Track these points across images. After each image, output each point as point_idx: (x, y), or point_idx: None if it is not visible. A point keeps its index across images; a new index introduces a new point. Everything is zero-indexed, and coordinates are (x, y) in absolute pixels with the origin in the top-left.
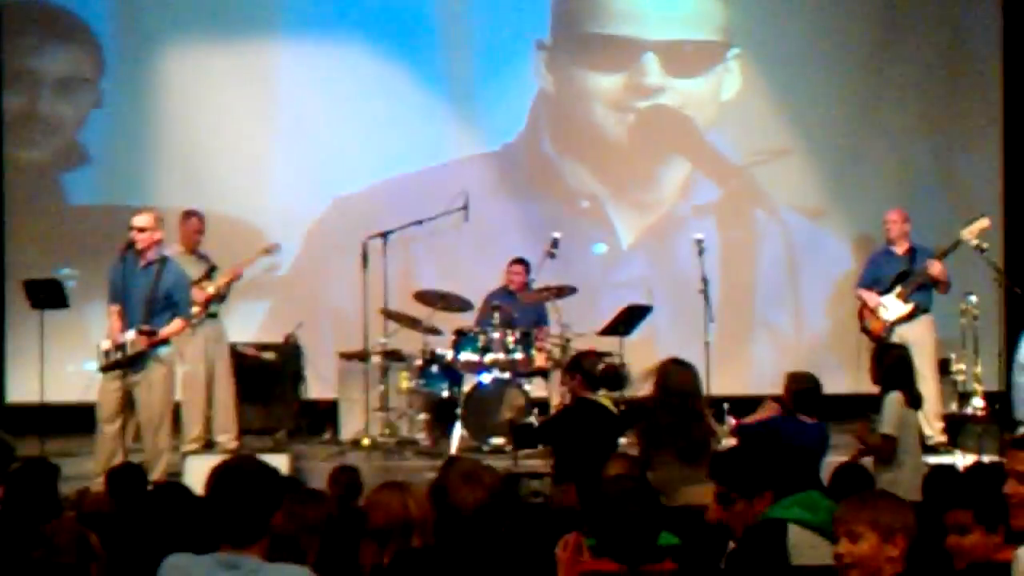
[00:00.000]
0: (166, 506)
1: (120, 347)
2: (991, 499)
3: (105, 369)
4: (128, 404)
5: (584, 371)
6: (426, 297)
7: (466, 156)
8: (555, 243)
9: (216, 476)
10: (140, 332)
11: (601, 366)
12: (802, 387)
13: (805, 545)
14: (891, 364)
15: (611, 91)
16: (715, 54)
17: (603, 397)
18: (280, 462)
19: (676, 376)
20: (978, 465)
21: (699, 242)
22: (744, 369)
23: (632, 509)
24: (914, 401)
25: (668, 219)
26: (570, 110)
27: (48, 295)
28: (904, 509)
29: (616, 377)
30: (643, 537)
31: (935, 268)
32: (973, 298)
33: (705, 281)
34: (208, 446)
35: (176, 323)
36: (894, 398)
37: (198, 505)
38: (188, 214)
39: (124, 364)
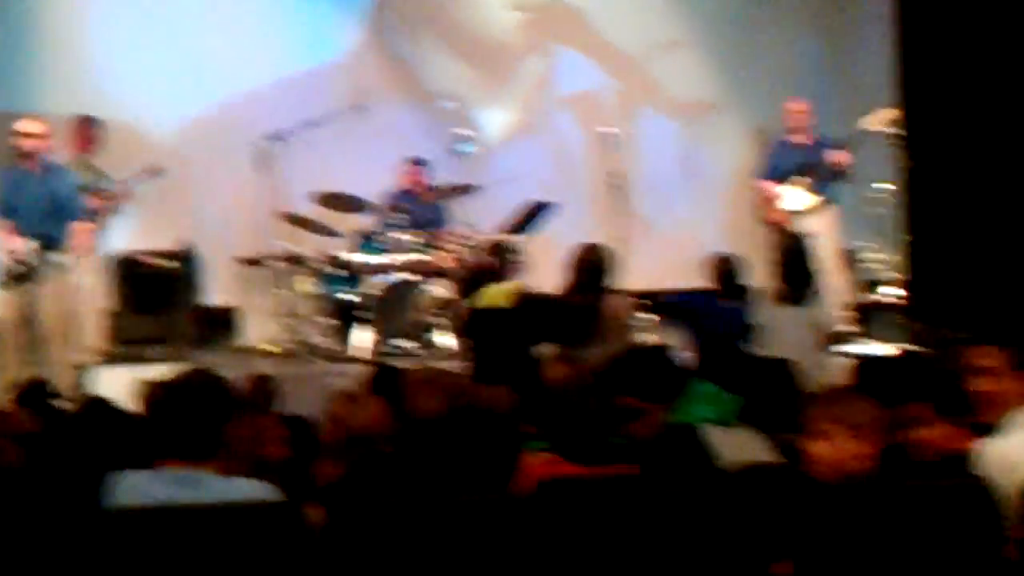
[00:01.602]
0: (98, 422)
1: (16, 259)
2: (949, 390)
3: (7, 283)
4: (30, 316)
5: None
6: (327, 199)
7: (336, 57)
8: (463, 140)
9: (169, 388)
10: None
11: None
12: (726, 268)
13: (724, 445)
14: (780, 257)
15: None
16: None
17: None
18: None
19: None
20: (911, 355)
21: (613, 135)
22: (642, 266)
23: (588, 408)
24: (794, 297)
25: (539, 112)
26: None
27: None
28: (872, 406)
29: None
30: (600, 436)
31: (840, 157)
32: (882, 186)
33: (621, 175)
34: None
35: (85, 226)
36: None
37: (129, 419)
38: (83, 120)
39: (26, 276)
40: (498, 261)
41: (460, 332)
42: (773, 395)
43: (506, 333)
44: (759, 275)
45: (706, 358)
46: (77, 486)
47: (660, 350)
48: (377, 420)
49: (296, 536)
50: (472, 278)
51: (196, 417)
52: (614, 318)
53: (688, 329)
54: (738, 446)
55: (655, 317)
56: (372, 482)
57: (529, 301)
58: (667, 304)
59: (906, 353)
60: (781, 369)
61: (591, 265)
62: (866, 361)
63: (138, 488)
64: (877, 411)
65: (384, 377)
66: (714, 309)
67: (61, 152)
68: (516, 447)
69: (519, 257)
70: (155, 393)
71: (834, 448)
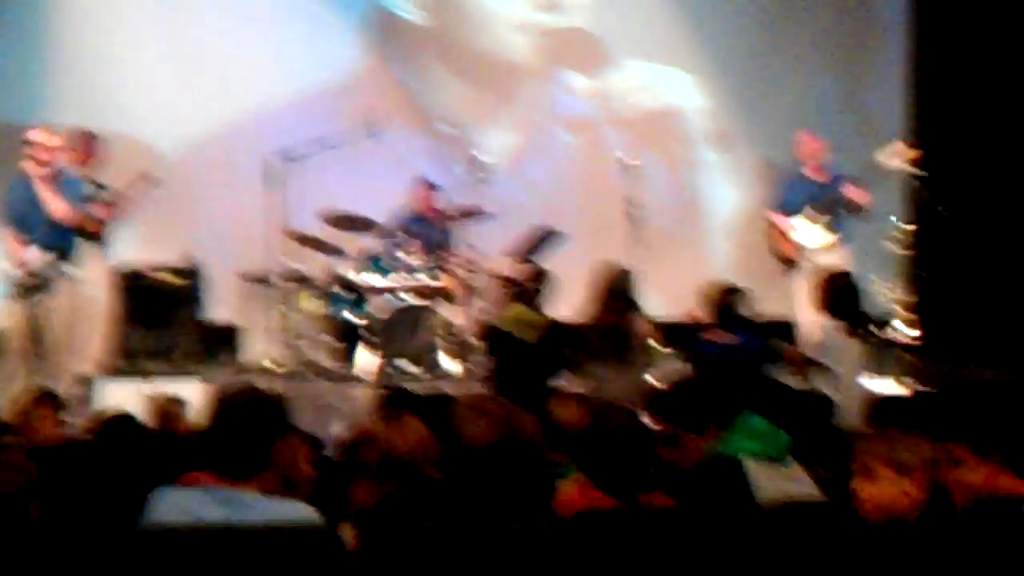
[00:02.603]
0: (122, 438)
1: (27, 270)
2: (984, 431)
3: (21, 293)
4: (38, 327)
5: None
6: (336, 219)
7: (350, 79)
8: (481, 165)
9: (221, 403)
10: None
11: None
12: (726, 299)
13: (767, 480)
14: (834, 291)
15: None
16: None
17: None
18: (188, 389)
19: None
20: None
21: (632, 165)
22: (651, 295)
23: (627, 439)
24: (856, 328)
25: (553, 139)
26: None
27: None
28: (922, 444)
29: None
30: (638, 468)
31: (854, 193)
32: (897, 221)
33: (638, 206)
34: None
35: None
36: (830, 326)
37: (150, 436)
38: (84, 134)
39: (36, 287)
40: (535, 285)
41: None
42: (814, 431)
43: (531, 365)
44: (768, 307)
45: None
46: (109, 502)
47: (703, 380)
48: (422, 443)
49: (335, 559)
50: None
51: (244, 433)
52: (641, 339)
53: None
54: (782, 482)
55: (669, 348)
56: (416, 506)
57: (557, 333)
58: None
59: (918, 393)
60: (821, 404)
61: (618, 286)
62: (882, 400)
63: (175, 504)
64: (928, 451)
65: (397, 400)
66: (708, 352)
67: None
68: (551, 475)
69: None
70: (213, 407)
71: (883, 488)
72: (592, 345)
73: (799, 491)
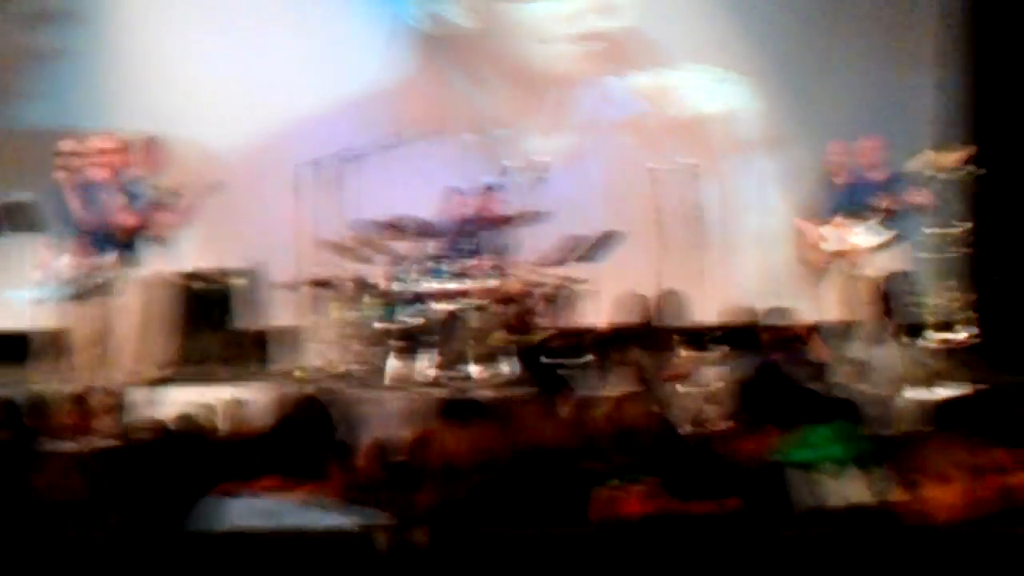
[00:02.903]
0: (186, 441)
1: (95, 274)
2: None
3: (85, 295)
4: (104, 329)
5: None
6: (387, 224)
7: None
8: (541, 167)
9: (284, 409)
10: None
11: None
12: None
13: (834, 485)
14: (889, 292)
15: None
16: None
17: None
18: (254, 392)
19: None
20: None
21: (692, 167)
22: (706, 299)
23: (692, 447)
24: (901, 332)
25: (597, 139)
26: (489, 43)
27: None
28: (992, 448)
29: None
30: (705, 474)
31: (919, 194)
32: (958, 225)
33: (699, 208)
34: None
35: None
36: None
37: (214, 439)
38: (150, 140)
39: (104, 290)
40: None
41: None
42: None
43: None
44: (823, 312)
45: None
46: (173, 506)
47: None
48: (487, 448)
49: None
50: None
51: (312, 439)
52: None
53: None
54: (849, 487)
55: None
56: (479, 509)
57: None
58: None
59: (981, 394)
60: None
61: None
62: (946, 403)
63: (239, 513)
64: (997, 454)
65: (458, 405)
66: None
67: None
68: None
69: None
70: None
71: (955, 492)
72: (633, 351)
73: (867, 497)
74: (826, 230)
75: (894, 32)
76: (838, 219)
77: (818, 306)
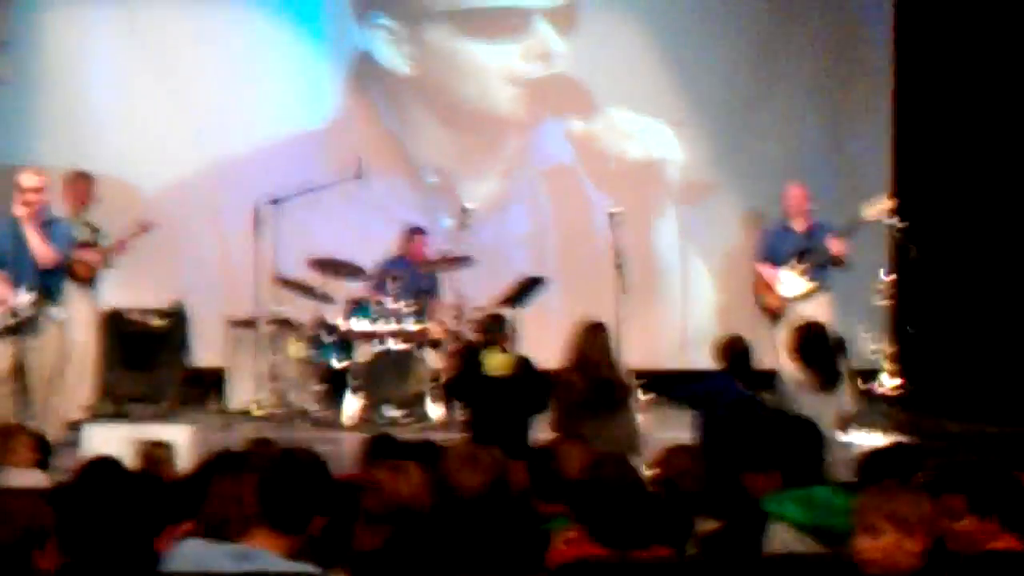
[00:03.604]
0: (106, 481)
1: (12, 311)
2: (986, 486)
3: (5, 333)
4: (21, 368)
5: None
6: (322, 265)
7: (331, 122)
8: (466, 212)
9: (283, 459)
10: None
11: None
12: (739, 351)
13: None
14: (807, 341)
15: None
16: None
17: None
18: (178, 433)
19: (591, 339)
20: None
21: (616, 214)
22: (634, 344)
23: (625, 493)
24: (828, 381)
25: (540, 188)
26: (435, 83)
27: None
28: (923, 502)
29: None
30: (637, 521)
31: (836, 245)
32: (884, 275)
33: (621, 255)
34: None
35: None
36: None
37: (134, 480)
38: (79, 176)
39: (19, 328)
40: (496, 331)
41: (456, 398)
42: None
43: (507, 402)
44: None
45: (715, 441)
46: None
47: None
48: (421, 492)
49: None
50: (471, 346)
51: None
52: (624, 394)
53: (702, 415)
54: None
55: (651, 396)
56: (413, 554)
57: (532, 371)
58: (685, 392)
59: (906, 444)
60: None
61: (599, 341)
62: (872, 453)
63: (192, 557)
64: (928, 505)
65: (380, 446)
66: (731, 395)
67: (56, 205)
68: (539, 525)
69: (512, 329)
70: (274, 460)
71: (885, 544)
72: (577, 394)
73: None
74: (784, 274)
75: (822, 82)
76: (793, 262)
77: (771, 350)
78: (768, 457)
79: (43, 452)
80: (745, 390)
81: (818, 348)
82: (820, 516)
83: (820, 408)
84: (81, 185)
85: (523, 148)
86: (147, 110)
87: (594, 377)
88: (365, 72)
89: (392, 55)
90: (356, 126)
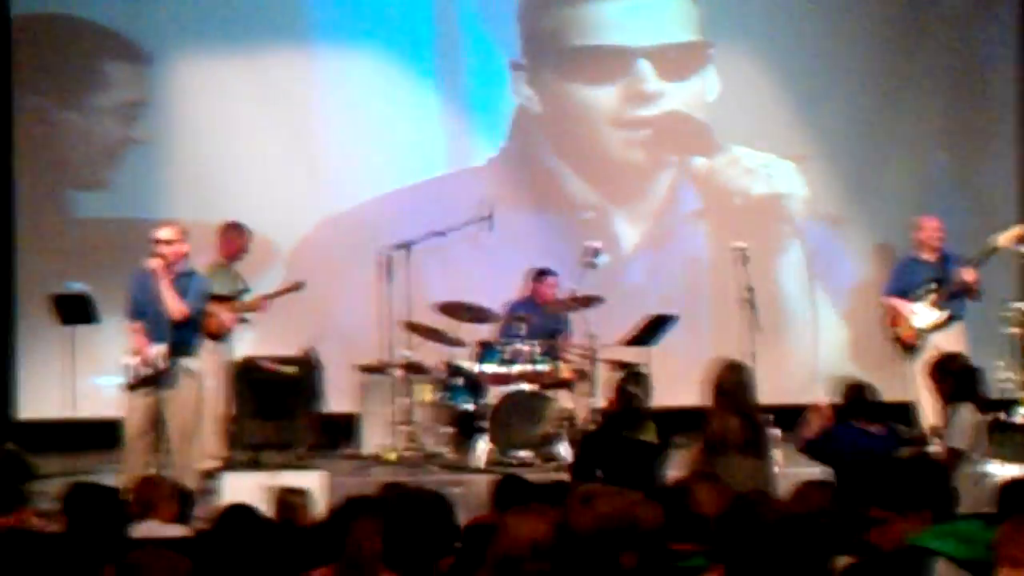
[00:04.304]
0: (241, 529)
1: (148, 362)
2: None
3: (136, 386)
4: (157, 419)
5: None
6: (450, 309)
7: (460, 169)
8: (595, 252)
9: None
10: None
11: None
12: (853, 393)
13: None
14: (958, 374)
15: (608, 102)
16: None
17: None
18: (312, 480)
19: (735, 378)
20: None
21: (742, 250)
22: (764, 380)
23: (769, 532)
24: (977, 410)
25: (669, 225)
26: (562, 124)
27: (77, 310)
28: None
29: None
30: (778, 560)
31: (969, 275)
32: (1013, 303)
33: (751, 290)
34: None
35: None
36: (965, 409)
37: (270, 528)
38: (231, 226)
39: (155, 380)
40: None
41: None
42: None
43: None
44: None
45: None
46: None
47: (925, 463)
48: (546, 534)
49: None
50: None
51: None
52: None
53: (835, 465)
54: None
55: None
56: None
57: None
58: (815, 446)
59: None
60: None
61: (743, 379)
62: (1010, 484)
63: None
64: None
65: (509, 488)
66: (861, 442)
67: (207, 256)
68: (673, 564)
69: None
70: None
71: None
72: (732, 433)
73: None
74: (918, 307)
75: (947, 112)
76: (931, 296)
77: (904, 383)
78: (912, 498)
79: (184, 504)
80: (874, 432)
81: (963, 378)
82: (973, 550)
83: (969, 439)
84: (233, 235)
85: (653, 189)
86: (278, 157)
87: (746, 416)
88: (506, 113)
89: (524, 93)
90: (490, 170)
